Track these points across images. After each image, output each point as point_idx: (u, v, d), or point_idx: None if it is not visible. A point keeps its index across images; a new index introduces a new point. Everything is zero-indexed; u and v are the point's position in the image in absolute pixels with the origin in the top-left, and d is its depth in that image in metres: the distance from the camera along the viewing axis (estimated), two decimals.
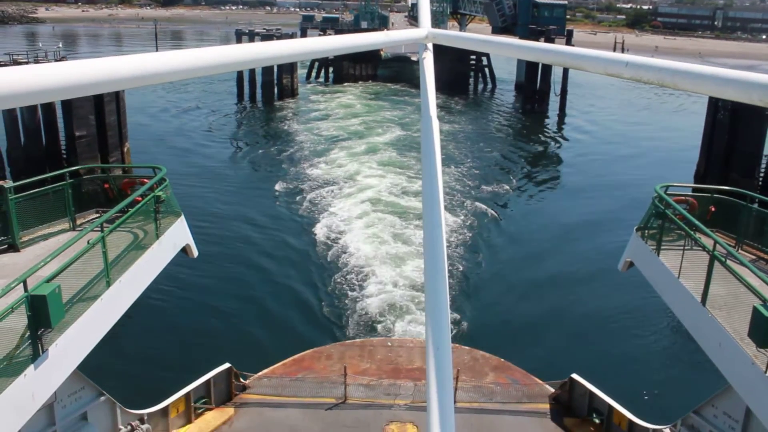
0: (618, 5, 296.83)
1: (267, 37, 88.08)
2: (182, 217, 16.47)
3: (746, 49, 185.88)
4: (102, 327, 12.19)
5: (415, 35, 5.60)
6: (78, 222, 16.00)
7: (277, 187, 49.48)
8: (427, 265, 4.60)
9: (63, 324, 10.97)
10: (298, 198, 46.31)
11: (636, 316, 29.52)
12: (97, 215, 16.19)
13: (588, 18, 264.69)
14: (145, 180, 16.17)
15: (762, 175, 45.68)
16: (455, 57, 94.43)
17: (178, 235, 16.08)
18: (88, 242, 12.21)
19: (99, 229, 12.94)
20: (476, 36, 5.71)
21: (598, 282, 33.35)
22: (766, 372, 11.03)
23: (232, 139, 67.32)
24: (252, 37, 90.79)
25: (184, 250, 16.73)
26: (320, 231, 39.22)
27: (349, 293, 30.77)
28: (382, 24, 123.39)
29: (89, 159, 43.62)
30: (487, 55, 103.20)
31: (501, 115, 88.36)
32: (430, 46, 5.80)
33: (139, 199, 15.10)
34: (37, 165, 42.18)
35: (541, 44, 4.75)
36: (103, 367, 17.54)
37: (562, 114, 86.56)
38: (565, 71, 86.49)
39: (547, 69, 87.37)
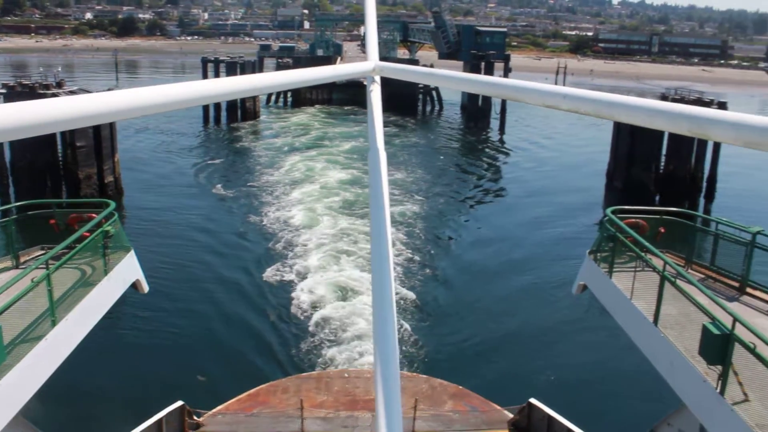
0: (563, 32, 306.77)
1: (231, 64, 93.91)
2: (132, 251, 16.13)
3: (680, 71, 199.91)
4: (47, 368, 11.74)
5: (363, 68, 5.56)
6: (22, 259, 15.51)
7: (236, 212, 49.70)
8: (375, 298, 4.53)
9: (4, 367, 10.56)
10: (255, 226, 46.15)
11: (591, 338, 29.74)
12: (43, 252, 15.71)
13: (534, 45, 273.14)
14: (93, 215, 15.79)
15: (662, 169, 54.37)
16: (404, 81, 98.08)
17: (127, 271, 15.73)
18: (32, 281, 11.82)
19: (44, 266, 12.55)
20: (423, 69, 5.74)
21: (554, 304, 33.69)
22: (717, 389, 11.21)
23: (196, 162, 68.16)
24: (217, 64, 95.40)
25: (135, 286, 16.35)
26: (276, 261, 38.85)
27: (304, 325, 30.41)
28: (337, 52, 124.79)
29: (88, 167, 49.74)
30: None
31: (448, 132, 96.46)
32: (377, 78, 5.77)
33: (87, 234, 14.71)
34: (40, 174, 48.29)
35: (485, 77, 4.81)
36: (47, 411, 16.87)
37: (502, 131, 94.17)
38: None
39: None
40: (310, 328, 29.98)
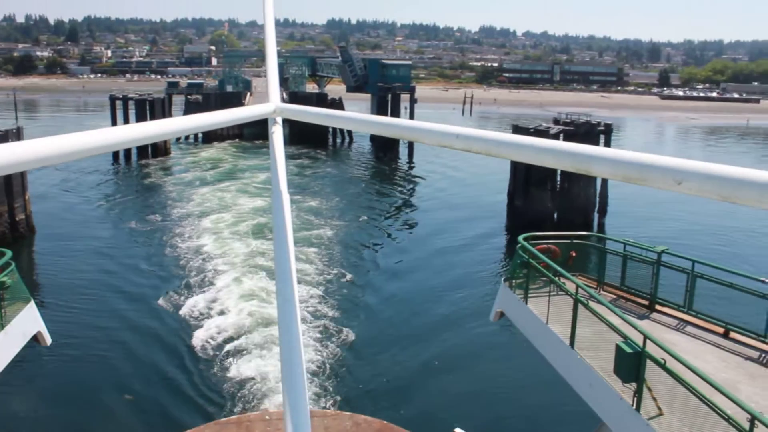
0: (470, 63, 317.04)
1: (140, 101, 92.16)
2: (32, 302, 15.20)
3: (580, 98, 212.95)
4: None
5: (263, 111, 5.41)
6: None
7: (148, 247, 48.44)
8: (282, 338, 4.38)
9: None
10: (166, 259, 45.01)
11: (512, 364, 29.94)
12: None
13: (441, 76, 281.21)
14: None
15: (558, 188, 57.46)
16: None
17: (27, 323, 14.79)
18: None
19: None
20: (324, 111, 5.63)
21: (472, 330, 33.86)
22: (633, 405, 11.52)
23: (107, 198, 66.58)
24: (126, 101, 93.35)
25: (36, 338, 15.39)
26: (188, 293, 37.84)
27: (220, 361, 29.44)
28: (246, 88, 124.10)
29: None
30: None
31: (359, 162, 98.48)
32: (279, 120, 5.64)
33: None
34: None
35: (382, 118, 4.82)
36: None
37: (411, 159, 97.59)
38: None
39: None
40: (227, 364, 29.05)
